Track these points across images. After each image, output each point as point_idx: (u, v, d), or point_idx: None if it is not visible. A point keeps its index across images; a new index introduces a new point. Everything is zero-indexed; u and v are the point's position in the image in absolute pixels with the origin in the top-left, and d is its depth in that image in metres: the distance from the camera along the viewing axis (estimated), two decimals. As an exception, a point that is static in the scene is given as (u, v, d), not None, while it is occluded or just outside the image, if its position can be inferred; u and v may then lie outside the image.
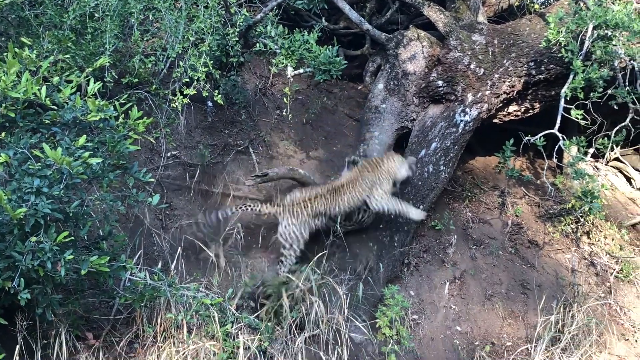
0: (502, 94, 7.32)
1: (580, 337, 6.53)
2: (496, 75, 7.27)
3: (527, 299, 7.05)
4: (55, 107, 4.76)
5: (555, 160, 7.35)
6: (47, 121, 4.79)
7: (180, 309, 5.24)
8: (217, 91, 6.69)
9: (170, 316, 5.19)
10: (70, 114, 4.72)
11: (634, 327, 7.05)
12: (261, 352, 5.33)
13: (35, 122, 4.79)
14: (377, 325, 6.08)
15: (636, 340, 6.94)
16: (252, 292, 5.93)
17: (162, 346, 5.22)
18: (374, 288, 6.39)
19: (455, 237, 7.44)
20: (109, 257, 4.64)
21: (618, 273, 7.36)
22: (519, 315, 6.90)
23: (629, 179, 8.40)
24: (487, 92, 7.30)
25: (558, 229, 7.68)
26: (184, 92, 6.43)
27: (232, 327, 5.29)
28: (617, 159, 8.33)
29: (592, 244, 7.65)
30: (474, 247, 7.46)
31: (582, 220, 7.61)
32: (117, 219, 5.39)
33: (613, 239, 7.69)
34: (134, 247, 5.84)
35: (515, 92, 7.31)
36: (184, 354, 5.15)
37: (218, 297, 5.36)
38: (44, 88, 4.60)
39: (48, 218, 4.38)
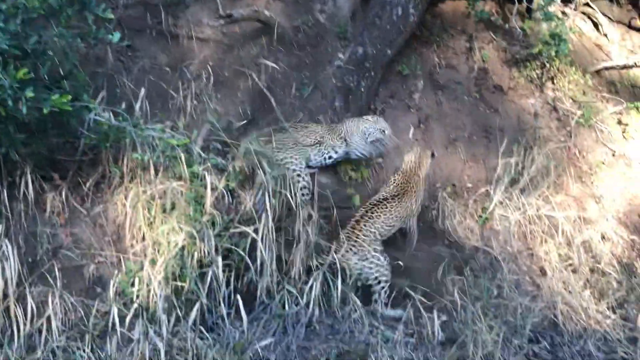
0: None
1: (538, 178, 6.76)
2: None
3: (489, 142, 7.18)
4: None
5: (525, 3, 7.24)
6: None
7: (147, 150, 5.22)
8: None
9: (136, 156, 5.16)
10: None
11: (590, 169, 7.28)
12: (228, 192, 5.40)
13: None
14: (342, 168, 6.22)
15: (592, 182, 7.21)
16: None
17: (129, 186, 5.25)
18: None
19: (422, 82, 7.40)
20: (70, 96, 4.56)
21: (579, 118, 7.49)
22: (480, 158, 7.06)
23: (596, 25, 8.34)
24: None
25: (523, 74, 7.67)
26: None
27: (199, 168, 5.30)
28: (586, 4, 8.20)
29: (556, 89, 7.69)
30: (440, 92, 7.46)
31: (547, 65, 7.59)
32: (77, 59, 5.23)
33: (577, 85, 7.76)
34: (97, 88, 5.68)
35: None
36: (151, 193, 5.19)
37: (184, 139, 5.33)
38: None
39: (6, 55, 4.26)
